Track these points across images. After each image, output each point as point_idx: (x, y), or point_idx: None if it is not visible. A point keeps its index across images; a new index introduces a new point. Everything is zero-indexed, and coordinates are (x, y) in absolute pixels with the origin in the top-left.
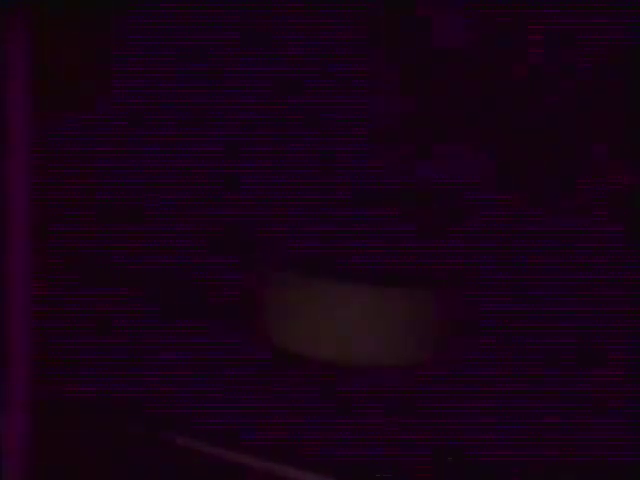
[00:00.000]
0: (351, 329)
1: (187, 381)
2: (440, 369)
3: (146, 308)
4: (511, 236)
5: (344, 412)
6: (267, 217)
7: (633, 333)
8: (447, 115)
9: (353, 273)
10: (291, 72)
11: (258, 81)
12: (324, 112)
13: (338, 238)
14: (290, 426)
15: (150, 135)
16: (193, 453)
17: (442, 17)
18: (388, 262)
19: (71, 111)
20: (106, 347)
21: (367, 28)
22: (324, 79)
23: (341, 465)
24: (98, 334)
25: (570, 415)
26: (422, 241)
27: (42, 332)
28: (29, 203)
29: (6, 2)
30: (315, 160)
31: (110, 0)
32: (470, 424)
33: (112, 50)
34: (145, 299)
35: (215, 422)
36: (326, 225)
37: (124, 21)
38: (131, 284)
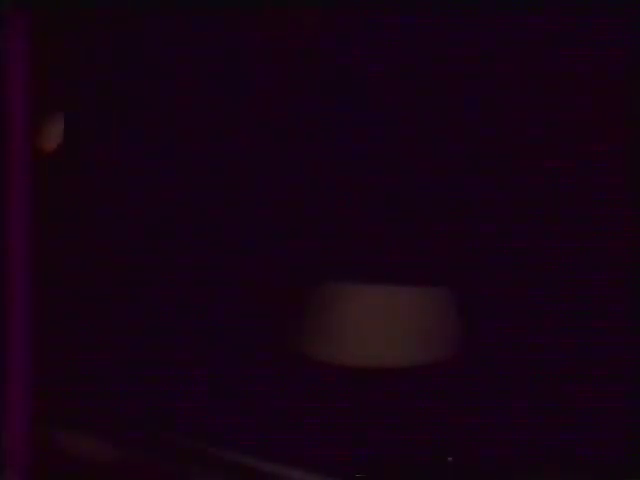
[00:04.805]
0: (370, 330)
1: (187, 380)
2: (445, 368)
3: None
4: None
5: (345, 412)
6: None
7: (631, 332)
8: None
9: (366, 273)
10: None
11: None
12: None
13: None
14: (295, 427)
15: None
16: (193, 453)
17: None
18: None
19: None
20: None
21: None
22: None
23: (342, 465)
24: (100, 335)
25: (570, 415)
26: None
27: (43, 333)
28: (30, 208)
29: (6, 2)
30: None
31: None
32: (470, 424)
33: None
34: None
35: (216, 422)
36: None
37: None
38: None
